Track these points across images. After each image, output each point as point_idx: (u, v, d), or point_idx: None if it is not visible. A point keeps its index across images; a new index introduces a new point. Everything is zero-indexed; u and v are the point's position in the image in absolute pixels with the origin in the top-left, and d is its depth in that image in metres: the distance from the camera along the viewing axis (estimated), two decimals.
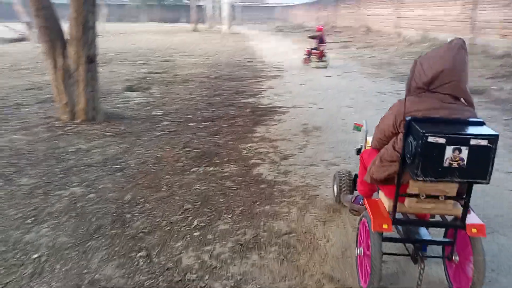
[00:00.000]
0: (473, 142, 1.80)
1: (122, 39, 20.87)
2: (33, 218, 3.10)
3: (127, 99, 7.17)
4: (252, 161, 4.27)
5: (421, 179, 1.88)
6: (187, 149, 4.59)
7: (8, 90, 7.69)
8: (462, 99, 2.10)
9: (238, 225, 3.01)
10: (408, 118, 1.95)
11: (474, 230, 2.05)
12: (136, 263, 2.59)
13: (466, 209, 2.05)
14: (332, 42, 19.55)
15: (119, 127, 5.38)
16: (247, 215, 3.17)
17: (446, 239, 2.31)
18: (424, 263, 2.18)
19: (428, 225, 2.26)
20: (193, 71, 10.38)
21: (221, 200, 3.40)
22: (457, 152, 1.81)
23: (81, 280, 2.41)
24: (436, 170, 1.85)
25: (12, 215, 3.14)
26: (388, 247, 2.59)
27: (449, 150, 1.82)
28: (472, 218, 2.12)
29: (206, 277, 2.45)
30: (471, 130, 1.85)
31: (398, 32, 19.99)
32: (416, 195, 2.05)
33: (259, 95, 7.58)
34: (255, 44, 18.95)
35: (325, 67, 11.19)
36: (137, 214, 3.18)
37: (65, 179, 3.82)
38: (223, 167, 4.11)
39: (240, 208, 3.26)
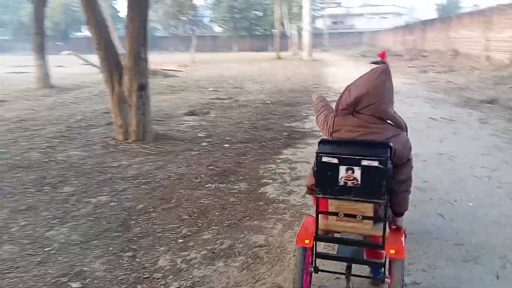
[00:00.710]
0: (364, 162, 1.91)
1: (206, 68, 22.37)
2: (59, 219, 3.69)
3: (183, 122, 7.85)
4: (264, 180, 4.52)
5: (321, 195, 2.02)
6: (211, 167, 4.99)
7: (88, 113, 8.86)
8: (389, 121, 2.21)
9: (220, 236, 3.29)
10: (321, 139, 2.12)
11: (392, 251, 2.09)
12: (120, 261, 2.99)
13: (384, 229, 2.10)
14: (412, 67, 18.99)
15: (163, 147, 5.97)
16: (233, 227, 3.43)
17: (377, 260, 2.34)
18: (350, 282, 2.26)
19: (351, 244, 2.32)
20: (255, 97, 10.90)
21: (217, 213, 3.71)
22: (350, 172, 1.94)
23: (71, 270, 2.87)
24: (333, 188, 1.99)
25: (44, 215, 3.76)
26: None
27: (343, 170, 1.95)
28: (395, 240, 2.16)
29: (170, 277, 2.76)
30: (368, 151, 1.96)
31: (486, 55, 18.74)
32: (336, 214, 2.16)
33: (305, 120, 7.79)
34: (330, 70, 19.09)
35: None
36: (140, 221, 3.61)
37: (98, 189, 4.42)
38: (234, 184, 4.42)
39: (229, 221, 3.53)
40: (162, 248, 3.14)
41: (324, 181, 2.00)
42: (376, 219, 2.10)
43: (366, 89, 2.15)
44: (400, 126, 2.22)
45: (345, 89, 2.31)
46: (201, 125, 7.56)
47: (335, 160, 1.95)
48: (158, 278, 2.74)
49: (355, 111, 2.22)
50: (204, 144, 6.12)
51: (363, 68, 19.37)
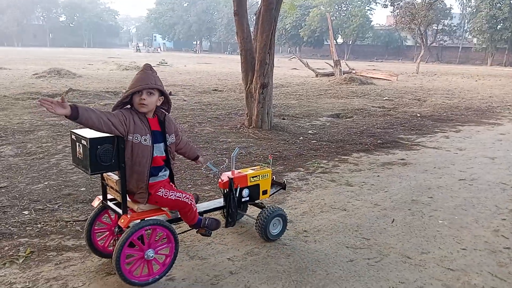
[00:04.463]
0: (82, 141, 2.50)
1: (419, 79, 21.81)
2: None
3: (314, 121, 8.94)
4: (293, 167, 5.40)
5: (73, 164, 2.70)
6: (276, 152, 6.11)
7: None
8: None
9: None
10: None
11: (121, 221, 2.56)
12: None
13: (123, 201, 2.58)
14: None
15: (269, 135, 7.34)
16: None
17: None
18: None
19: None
20: (416, 109, 10.82)
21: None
22: (79, 148, 2.55)
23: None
24: (75, 159, 2.62)
25: None
26: None
27: (78, 146, 2.55)
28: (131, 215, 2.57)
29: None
30: (89, 134, 2.48)
31: None
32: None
33: (428, 135, 7.72)
34: None
35: None
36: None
37: None
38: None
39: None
40: (79, 205, 4.44)
41: (73, 153, 2.63)
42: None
43: None
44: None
45: None
46: (325, 125, 8.52)
47: (74, 138, 2.59)
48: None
49: None
50: (301, 138, 7.18)
51: None
